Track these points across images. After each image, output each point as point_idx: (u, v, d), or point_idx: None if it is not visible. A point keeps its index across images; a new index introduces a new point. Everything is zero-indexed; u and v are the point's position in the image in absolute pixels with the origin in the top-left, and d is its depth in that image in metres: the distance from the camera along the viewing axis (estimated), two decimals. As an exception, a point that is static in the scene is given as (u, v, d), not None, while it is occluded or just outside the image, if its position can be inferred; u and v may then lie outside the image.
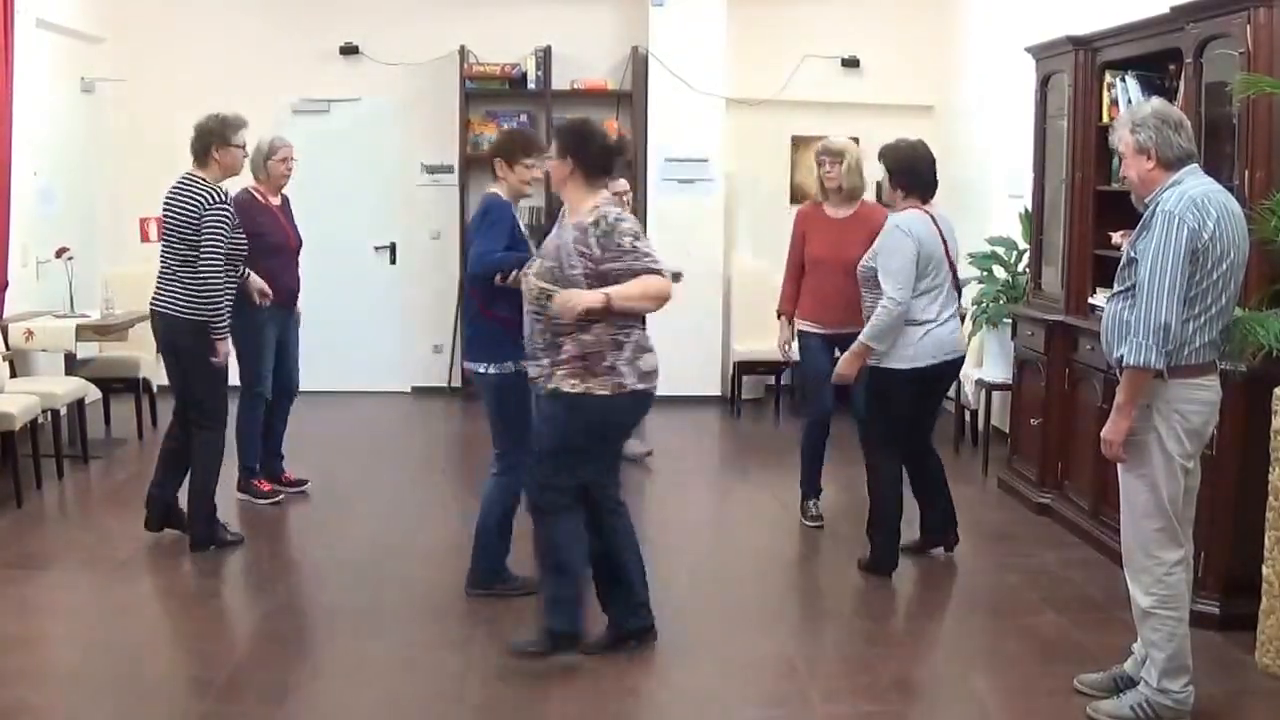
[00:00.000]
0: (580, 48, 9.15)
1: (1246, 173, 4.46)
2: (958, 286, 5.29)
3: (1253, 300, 4.36)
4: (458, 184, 9.04)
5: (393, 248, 9.24)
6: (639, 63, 9.01)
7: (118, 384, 7.78)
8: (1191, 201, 3.64)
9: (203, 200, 5.29)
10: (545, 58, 9.02)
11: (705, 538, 5.84)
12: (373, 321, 9.21)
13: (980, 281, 7.19)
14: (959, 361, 5.34)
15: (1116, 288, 3.84)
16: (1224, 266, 3.68)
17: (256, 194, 6.16)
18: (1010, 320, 6.78)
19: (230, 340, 5.45)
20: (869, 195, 6.05)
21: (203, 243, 5.28)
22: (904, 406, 5.20)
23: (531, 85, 9.03)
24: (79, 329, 6.98)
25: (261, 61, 8.89)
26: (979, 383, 7.24)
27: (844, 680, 4.24)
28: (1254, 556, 4.25)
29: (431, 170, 9.18)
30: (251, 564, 5.35)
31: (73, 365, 7.31)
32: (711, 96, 8.85)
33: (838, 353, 5.56)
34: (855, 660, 4.42)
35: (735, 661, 4.49)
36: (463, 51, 8.95)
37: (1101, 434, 3.80)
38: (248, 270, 5.77)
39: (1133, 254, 3.74)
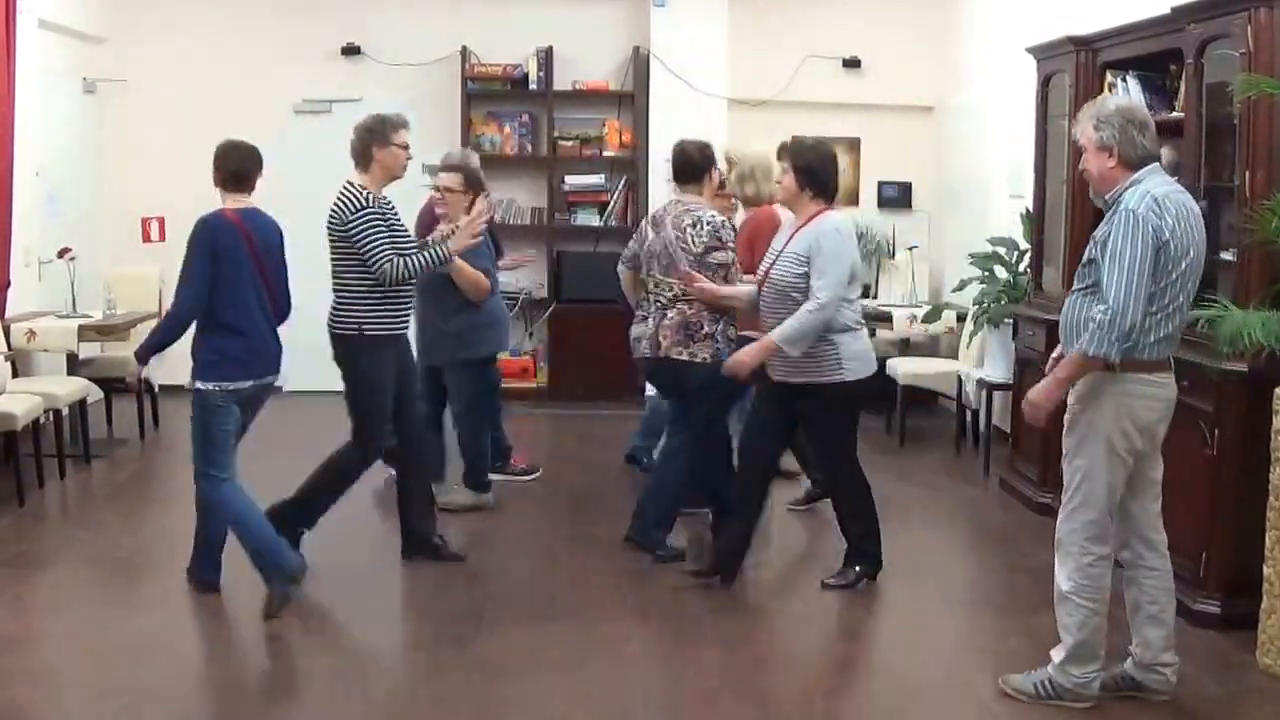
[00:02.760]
0: (582, 48, 9.16)
1: (1247, 173, 4.47)
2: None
3: (1253, 300, 4.37)
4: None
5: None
6: (640, 63, 9.02)
7: (120, 384, 7.76)
8: (1154, 200, 3.67)
9: (345, 206, 4.99)
10: (547, 58, 9.02)
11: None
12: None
13: (981, 282, 7.19)
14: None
15: (1077, 285, 3.89)
16: (1183, 266, 3.72)
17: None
18: (1011, 320, 6.78)
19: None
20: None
21: (362, 251, 4.95)
22: (854, 416, 5.09)
23: (533, 86, 9.03)
24: (81, 329, 6.99)
25: (263, 62, 8.90)
26: (980, 383, 7.23)
27: (846, 680, 4.25)
28: (1255, 556, 4.25)
29: (433, 171, 9.17)
30: (251, 564, 5.34)
31: (75, 365, 7.32)
32: (713, 97, 8.85)
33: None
34: (855, 660, 4.42)
35: (737, 660, 4.49)
36: (464, 52, 8.96)
37: (1028, 394, 3.91)
38: None
39: (1094, 253, 3.78)
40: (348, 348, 5.07)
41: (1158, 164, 3.82)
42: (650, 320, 5.33)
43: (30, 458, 6.39)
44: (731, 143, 6.56)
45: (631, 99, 9.07)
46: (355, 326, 5.03)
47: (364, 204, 4.99)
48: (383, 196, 5.11)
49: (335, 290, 5.09)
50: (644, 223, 5.57)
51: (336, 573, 5.34)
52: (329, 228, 5.04)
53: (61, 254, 7.29)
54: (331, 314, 5.10)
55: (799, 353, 4.80)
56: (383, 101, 8.97)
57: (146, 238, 8.90)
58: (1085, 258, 3.86)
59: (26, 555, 5.43)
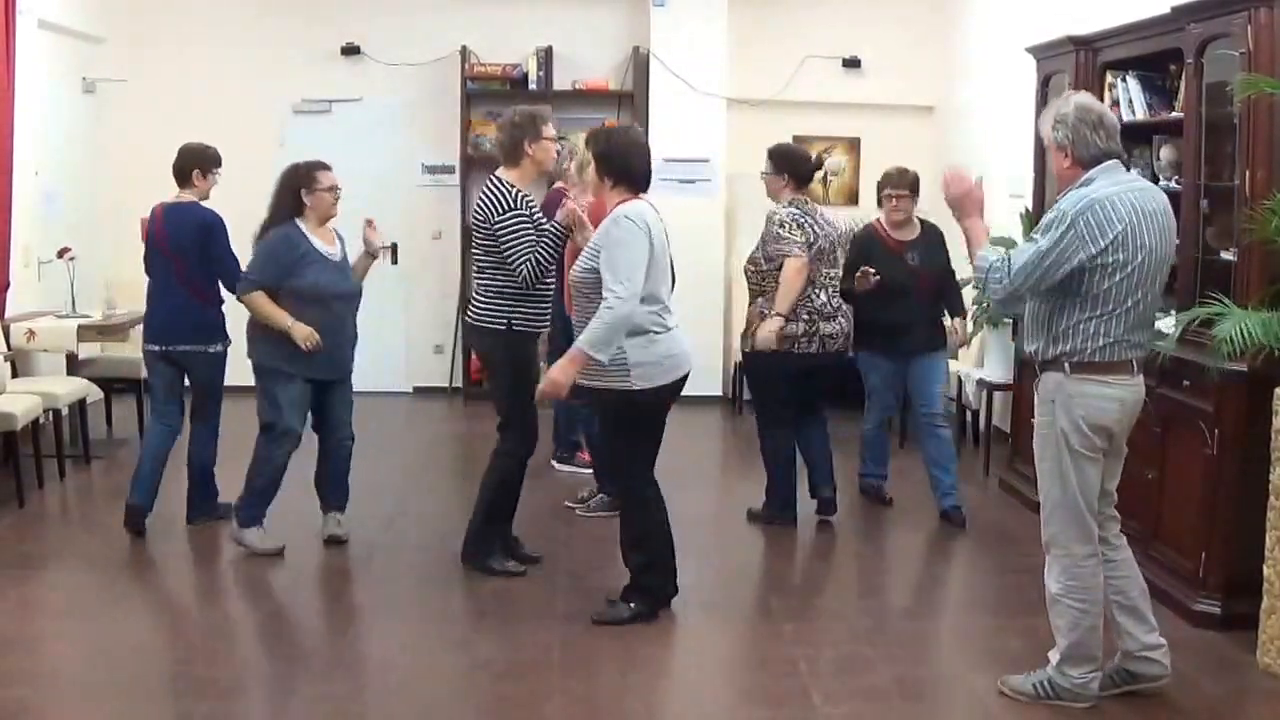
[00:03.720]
0: (581, 48, 9.16)
1: (1247, 173, 4.47)
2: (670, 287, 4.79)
3: (1253, 300, 4.37)
4: (459, 184, 9.05)
5: (394, 248, 9.21)
6: (640, 63, 9.02)
7: (119, 384, 7.78)
8: (1091, 204, 3.66)
9: (494, 205, 4.96)
10: (546, 58, 9.02)
11: (706, 536, 5.83)
12: (374, 322, 9.15)
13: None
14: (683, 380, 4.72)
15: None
16: (1128, 269, 3.68)
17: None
18: (1011, 320, 6.78)
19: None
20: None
21: (505, 251, 4.95)
22: (646, 430, 4.70)
23: (533, 86, 9.03)
24: (80, 329, 6.99)
25: (263, 62, 8.91)
26: (980, 383, 7.24)
27: (844, 680, 4.24)
28: (1255, 556, 4.25)
29: (433, 170, 9.19)
30: (252, 564, 5.34)
31: (75, 365, 7.31)
32: (712, 96, 8.85)
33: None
34: (855, 660, 4.42)
35: (735, 661, 4.49)
36: (464, 52, 8.96)
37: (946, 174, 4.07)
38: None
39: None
40: (495, 341, 5.08)
41: (1115, 162, 3.77)
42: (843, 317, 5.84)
43: (30, 458, 6.39)
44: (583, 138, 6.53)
45: (631, 99, 9.07)
46: (504, 321, 5.04)
47: (512, 204, 4.98)
48: (528, 194, 5.11)
49: (480, 285, 5.11)
50: (813, 218, 5.81)
51: (336, 573, 5.35)
52: (475, 224, 5.07)
53: (61, 254, 7.28)
54: (476, 308, 5.12)
55: (608, 357, 4.43)
56: (383, 102, 9.07)
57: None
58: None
59: (27, 556, 5.43)
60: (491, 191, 5.01)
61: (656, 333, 4.52)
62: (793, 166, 5.93)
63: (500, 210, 4.95)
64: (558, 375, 4.52)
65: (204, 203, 5.70)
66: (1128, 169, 3.89)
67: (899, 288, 5.92)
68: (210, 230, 5.57)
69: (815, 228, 5.76)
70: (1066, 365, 3.76)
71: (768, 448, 5.96)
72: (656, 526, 4.72)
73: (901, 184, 6.07)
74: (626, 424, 4.63)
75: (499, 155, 5.19)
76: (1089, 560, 3.86)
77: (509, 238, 4.94)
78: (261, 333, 5.34)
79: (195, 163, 5.71)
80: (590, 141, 4.76)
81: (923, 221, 6.20)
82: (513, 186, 5.01)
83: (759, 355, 5.77)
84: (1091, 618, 3.87)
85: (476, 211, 5.03)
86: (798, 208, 5.80)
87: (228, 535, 5.50)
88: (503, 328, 5.04)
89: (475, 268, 5.17)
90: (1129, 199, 3.70)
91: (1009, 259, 3.79)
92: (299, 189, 5.32)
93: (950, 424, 6.24)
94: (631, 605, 4.67)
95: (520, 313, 5.03)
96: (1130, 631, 3.97)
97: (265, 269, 5.28)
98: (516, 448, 5.14)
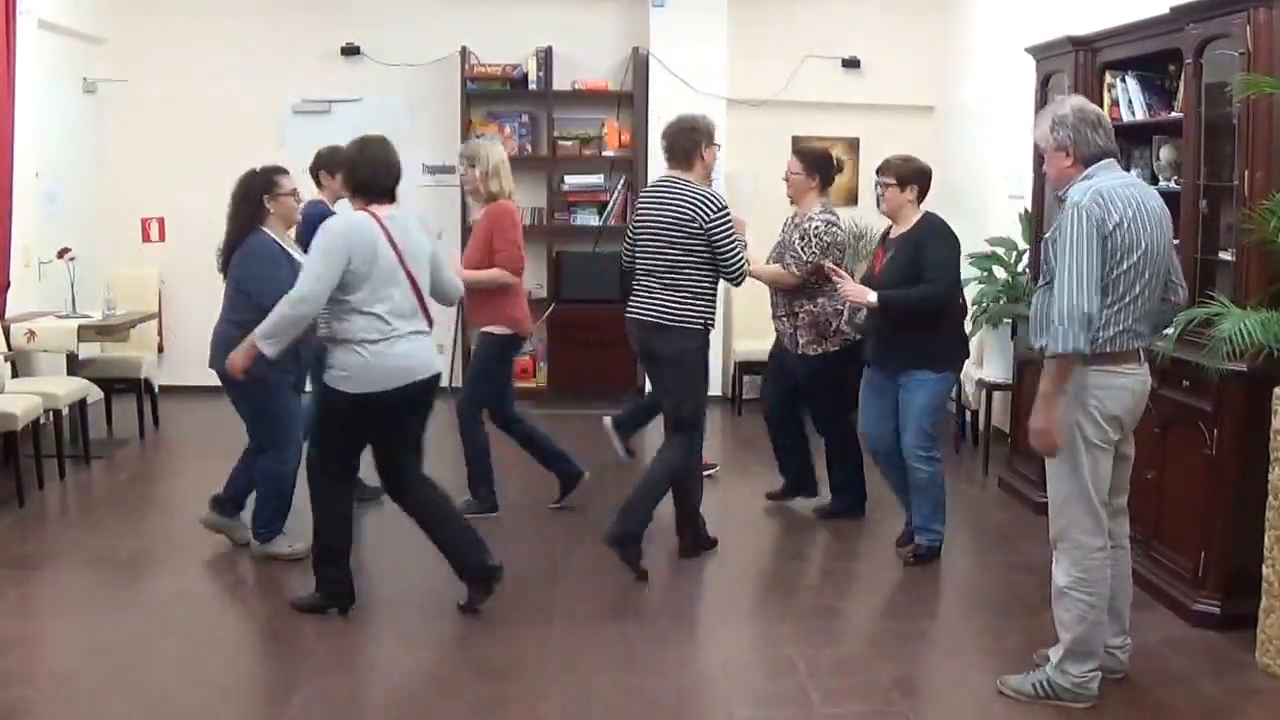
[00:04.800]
0: (581, 48, 9.16)
1: (1246, 173, 4.47)
2: (421, 300, 4.59)
3: (1252, 300, 4.37)
4: (459, 185, 9.03)
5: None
6: (640, 63, 9.02)
7: (119, 384, 7.79)
8: (1097, 193, 3.73)
9: (706, 206, 5.12)
10: (546, 58, 9.02)
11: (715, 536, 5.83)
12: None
13: (980, 282, 7.20)
14: (429, 385, 4.62)
15: (1041, 280, 3.95)
16: (1134, 257, 3.75)
17: None
18: (1010, 320, 6.79)
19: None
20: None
21: (723, 251, 5.14)
22: (351, 431, 4.63)
23: (532, 86, 9.03)
24: (81, 329, 6.99)
25: (263, 62, 8.90)
26: (979, 383, 7.24)
27: (844, 680, 4.25)
28: (1254, 556, 4.25)
29: (433, 171, 9.18)
30: (252, 564, 5.35)
31: (75, 366, 7.32)
32: (712, 97, 8.84)
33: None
34: (855, 660, 4.42)
35: (735, 661, 4.49)
36: (464, 52, 8.96)
37: (1030, 425, 3.86)
38: None
39: (1048, 250, 3.84)
40: (690, 340, 5.22)
41: (1113, 160, 3.87)
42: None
43: (30, 458, 6.39)
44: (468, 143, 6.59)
45: (631, 99, 9.07)
46: (701, 321, 5.22)
47: (723, 204, 5.16)
48: None
49: (675, 285, 5.20)
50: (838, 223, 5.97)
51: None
52: (676, 224, 5.14)
53: (61, 254, 7.29)
54: (668, 309, 5.21)
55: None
56: (383, 102, 9.07)
57: (146, 238, 8.92)
58: (1044, 254, 3.94)
59: (27, 556, 5.43)
60: (696, 193, 5.16)
61: (372, 341, 4.43)
62: (823, 169, 5.97)
63: (714, 211, 5.12)
64: (236, 357, 4.71)
65: (336, 203, 5.63)
66: (1125, 169, 3.93)
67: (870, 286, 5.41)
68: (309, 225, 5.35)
69: (840, 230, 5.94)
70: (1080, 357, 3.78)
71: (834, 448, 6.09)
72: (332, 520, 4.69)
73: (886, 170, 5.47)
74: (333, 418, 4.66)
75: (669, 156, 5.31)
76: (1098, 554, 3.88)
77: (729, 236, 5.15)
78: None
79: (321, 164, 5.92)
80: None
81: (927, 216, 5.46)
82: (708, 189, 5.22)
83: (824, 355, 5.87)
84: (1097, 612, 3.89)
85: (681, 213, 5.14)
86: (832, 213, 5.95)
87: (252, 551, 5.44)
88: (699, 327, 5.22)
89: (666, 269, 5.21)
90: (1127, 192, 3.79)
91: (1061, 304, 3.66)
92: (261, 195, 5.20)
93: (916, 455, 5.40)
94: (316, 594, 4.77)
95: (711, 312, 5.27)
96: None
97: (279, 277, 4.95)
98: (689, 439, 5.33)
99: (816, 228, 5.84)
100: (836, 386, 5.98)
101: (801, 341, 5.91)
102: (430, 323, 4.67)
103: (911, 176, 5.44)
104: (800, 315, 5.89)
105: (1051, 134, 3.86)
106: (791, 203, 6.12)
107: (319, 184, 6.00)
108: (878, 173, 5.52)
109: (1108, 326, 3.78)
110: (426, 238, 4.72)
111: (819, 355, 5.88)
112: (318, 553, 4.76)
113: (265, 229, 5.22)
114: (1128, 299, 3.78)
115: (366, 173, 4.56)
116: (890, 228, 5.58)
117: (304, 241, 5.17)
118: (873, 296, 5.25)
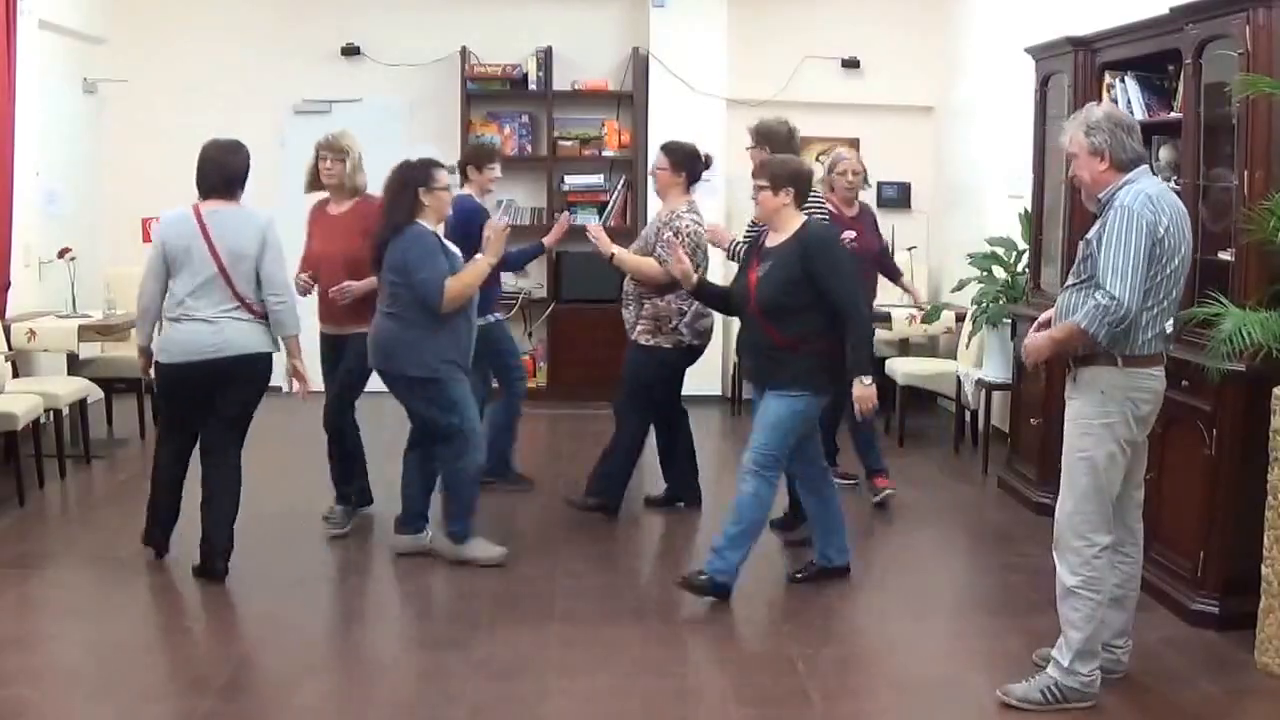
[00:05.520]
0: (581, 48, 9.16)
1: (1246, 173, 4.47)
2: (231, 285, 5.00)
3: (1251, 300, 4.38)
4: (459, 185, 9.02)
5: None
6: (640, 63, 9.02)
7: (120, 384, 7.78)
8: (1148, 198, 3.76)
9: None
10: (546, 58, 9.03)
11: (706, 537, 5.83)
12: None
13: (980, 282, 7.20)
14: (225, 363, 5.01)
15: (1072, 280, 3.95)
16: (1175, 262, 3.81)
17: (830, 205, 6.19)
18: (1010, 320, 6.79)
19: None
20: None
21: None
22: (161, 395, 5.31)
23: (533, 86, 9.04)
24: (81, 329, 7.00)
25: (263, 62, 8.91)
26: (979, 383, 7.24)
27: (844, 680, 4.25)
28: (1254, 556, 4.25)
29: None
30: (252, 564, 5.35)
31: (75, 365, 7.32)
32: (712, 97, 8.86)
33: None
34: (855, 660, 4.42)
35: (735, 660, 4.50)
36: (464, 52, 8.96)
37: (1025, 341, 4.05)
38: None
39: (1089, 251, 3.83)
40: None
41: (1146, 166, 3.91)
42: None
43: (31, 458, 6.40)
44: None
45: (631, 99, 9.08)
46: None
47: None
48: None
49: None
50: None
51: (336, 573, 5.35)
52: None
53: (61, 254, 7.29)
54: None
55: (144, 340, 5.34)
56: (383, 102, 9.07)
57: (146, 238, 8.90)
58: (1079, 256, 3.92)
59: (27, 555, 5.43)
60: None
61: (169, 319, 5.10)
62: (690, 165, 5.88)
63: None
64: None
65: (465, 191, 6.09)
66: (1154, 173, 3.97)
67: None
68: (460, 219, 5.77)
69: (703, 230, 5.87)
70: (1119, 359, 3.82)
71: (662, 443, 6.42)
72: (156, 473, 5.22)
73: (760, 172, 4.96)
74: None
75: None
76: (1106, 551, 3.90)
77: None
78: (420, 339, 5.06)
79: (469, 159, 6.33)
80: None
81: (810, 224, 4.93)
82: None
83: (652, 349, 5.89)
84: (1101, 610, 3.91)
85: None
86: (698, 212, 5.89)
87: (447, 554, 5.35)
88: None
89: None
90: (1169, 199, 3.85)
91: (1109, 294, 3.70)
92: (417, 188, 5.10)
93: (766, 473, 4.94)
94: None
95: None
96: (1107, 622, 4.01)
97: (438, 263, 5.03)
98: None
99: (689, 227, 5.74)
100: (652, 382, 5.95)
101: (638, 329, 5.88)
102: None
103: (787, 179, 4.83)
104: (645, 306, 5.84)
105: (1088, 138, 3.85)
106: (659, 198, 6.01)
107: (465, 178, 6.16)
108: (753, 175, 4.97)
109: (1147, 329, 3.81)
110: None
111: (649, 346, 5.85)
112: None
113: (420, 220, 5.09)
114: (1166, 302, 3.83)
115: (199, 170, 5.18)
116: (762, 236, 5.01)
117: (451, 235, 5.28)
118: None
